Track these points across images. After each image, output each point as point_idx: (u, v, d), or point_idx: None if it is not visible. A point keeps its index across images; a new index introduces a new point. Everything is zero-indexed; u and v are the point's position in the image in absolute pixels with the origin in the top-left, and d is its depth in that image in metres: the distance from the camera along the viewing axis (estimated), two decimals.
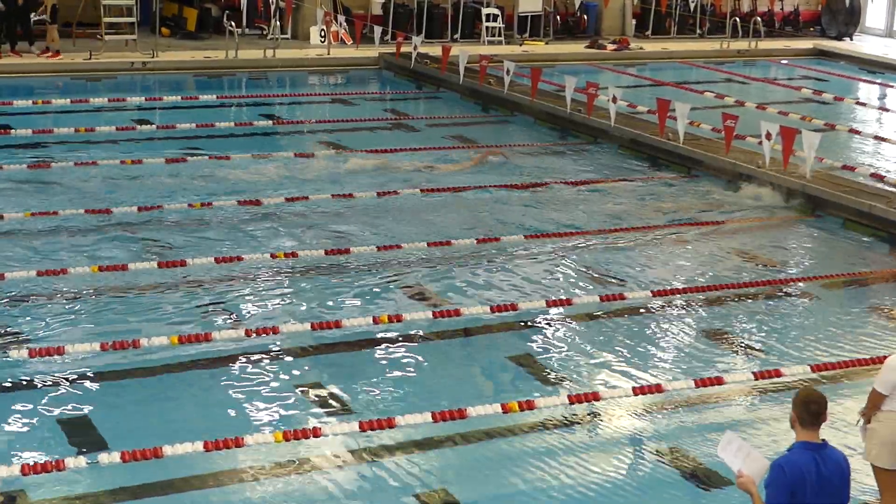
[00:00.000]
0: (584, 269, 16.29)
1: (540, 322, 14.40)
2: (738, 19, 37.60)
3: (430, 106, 28.48)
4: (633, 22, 38.87)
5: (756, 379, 12.88)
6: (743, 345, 14.13)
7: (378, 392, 12.28)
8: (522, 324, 14.33)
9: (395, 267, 16.03)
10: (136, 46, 31.40)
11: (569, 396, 12.17)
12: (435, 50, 30.87)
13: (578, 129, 24.73)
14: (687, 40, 38.43)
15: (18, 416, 11.36)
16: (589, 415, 12.06)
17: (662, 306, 15.13)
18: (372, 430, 11.21)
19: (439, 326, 14.02)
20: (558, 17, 38.09)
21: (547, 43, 36.58)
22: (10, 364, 12.38)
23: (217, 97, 27.89)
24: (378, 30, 32.55)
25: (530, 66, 28.10)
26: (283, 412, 11.74)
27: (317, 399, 12.04)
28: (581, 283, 15.74)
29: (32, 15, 30.41)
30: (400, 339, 13.63)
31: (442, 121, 26.14)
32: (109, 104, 26.00)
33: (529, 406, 11.81)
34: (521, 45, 35.86)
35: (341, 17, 34.36)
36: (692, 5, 39.19)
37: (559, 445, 11.42)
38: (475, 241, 17.00)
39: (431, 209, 18.72)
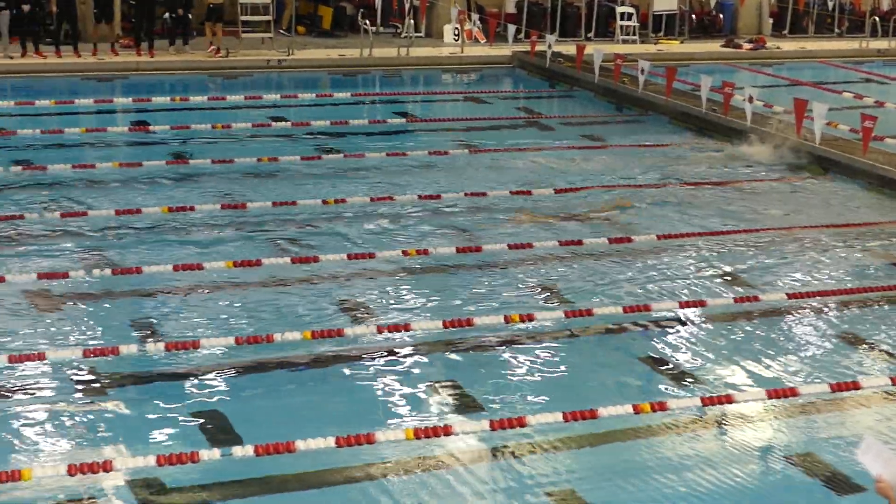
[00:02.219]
0: (718, 270, 16.10)
1: (673, 323, 14.27)
2: (877, 18, 36.98)
3: (564, 105, 28.41)
4: (770, 21, 38.41)
5: (894, 384, 12.63)
6: (881, 349, 13.86)
7: (509, 391, 12.24)
8: (655, 324, 14.21)
9: (526, 265, 15.99)
10: (272, 44, 31.73)
11: (701, 398, 12.03)
12: (569, 49, 30.80)
13: (714, 129, 24.47)
14: (825, 39, 37.90)
15: (155, 408, 11.51)
16: (721, 417, 11.91)
17: (798, 308, 14.90)
18: (502, 429, 11.18)
19: (571, 326, 13.95)
20: (693, 16, 37.80)
21: (682, 42, 36.30)
22: (147, 357, 12.56)
23: (351, 95, 28.10)
24: (512, 28, 32.55)
25: (665, 65, 27.94)
26: (414, 409, 11.76)
27: (448, 397, 12.04)
28: (715, 284, 15.56)
29: (180, 13, 30.94)
30: (532, 338, 13.59)
31: (575, 119, 26.03)
32: (245, 101, 26.31)
33: (661, 407, 11.70)
34: (655, 43, 35.63)
35: (475, 16, 34.40)
36: (830, 4, 38.66)
37: (690, 448, 11.30)
38: (607, 241, 16.89)
39: (563, 208, 18.62)
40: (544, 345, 13.45)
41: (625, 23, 35.53)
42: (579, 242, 16.72)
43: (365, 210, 17.96)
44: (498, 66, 32.34)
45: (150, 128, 23.46)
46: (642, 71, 26.44)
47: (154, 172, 19.92)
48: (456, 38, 33.79)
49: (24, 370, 12.09)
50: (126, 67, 29.20)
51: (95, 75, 28.47)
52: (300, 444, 10.56)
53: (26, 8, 28.57)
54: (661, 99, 26.16)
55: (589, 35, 35.74)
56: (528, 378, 12.60)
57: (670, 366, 13.05)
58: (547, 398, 12.06)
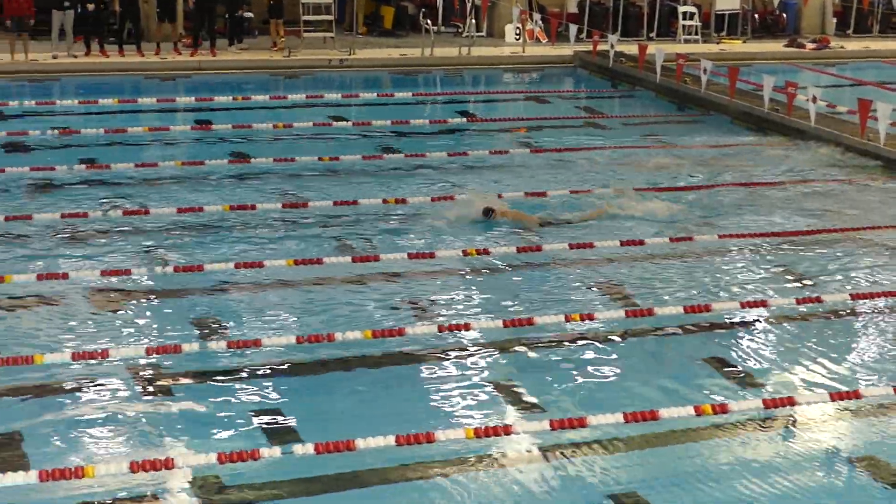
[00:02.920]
0: (780, 270, 15.99)
1: (734, 323, 14.17)
2: None
3: (625, 104, 28.31)
4: (834, 20, 38.11)
5: None
6: None
7: (569, 391, 12.20)
8: (716, 325, 14.11)
9: (587, 265, 15.94)
10: (333, 44, 31.83)
11: (763, 401, 11.93)
12: (630, 48, 30.69)
13: (776, 129, 24.32)
14: (889, 39, 37.59)
15: (216, 405, 11.56)
16: (784, 420, 11.81)
17: (862, 309, 14.76)
18: (562, 428, 11.15)
19: (632, 325, 13.89)
20: (756, 16, 37.57)
21: (745, 41, 36.12)
22: (209, 355, 12.62)
23: (412, 94, 28.15)
24: (573, 28, 32.49)
25: (727, 64, 27.78)
26: (474, 408, 11.74)
27: (508, 396, 12.02)
28: (777, 284, 15.44)
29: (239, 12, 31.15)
30: (592, 338, 13.54)
31: (636, 119, 25.94)
32: (307, 100, 26.42)
33: (723, 409, 11.62)
34: (718, 43, 35.46)
35: (537, 15, 34.35)
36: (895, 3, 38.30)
37: (752, 450, 11.21)
38: (669, 240, 16.82)
39: (618, 207, 18.53)
40: (605, 345, 13.39)
41: (687, 22, 35.36)
42: (641, 242, 16.65)
43: (425, 210, 17.95)
44: (559, 66, 32.31)
45: (212, 126, 23.59)
46: (704, 70, 26.33)
47: (216, 171, 20.04)
48: (517, 37, 33.77)
49: (87, 367, 12.18)
50: (188, 66, 29.38)
51: (158, 74, 28.69)
52: (360, 443, 10.58)
53: (91, 7, 28.81)
54: (724, 99, 26.03)
55: (651, 35, 35.62)
56: (589, 378, 12.55)
57: (732, 367, 12.95)
58: (607, 399, 12.01)
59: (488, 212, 17.24)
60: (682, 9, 35.55)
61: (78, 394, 11.68)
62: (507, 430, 11.07)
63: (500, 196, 18.20)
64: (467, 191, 18.31)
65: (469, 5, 33.69)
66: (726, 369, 12.88)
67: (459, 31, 34.29)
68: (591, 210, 17.87)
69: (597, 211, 17.87)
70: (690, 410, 11.53)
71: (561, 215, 17.57)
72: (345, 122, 24.39)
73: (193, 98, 26.35)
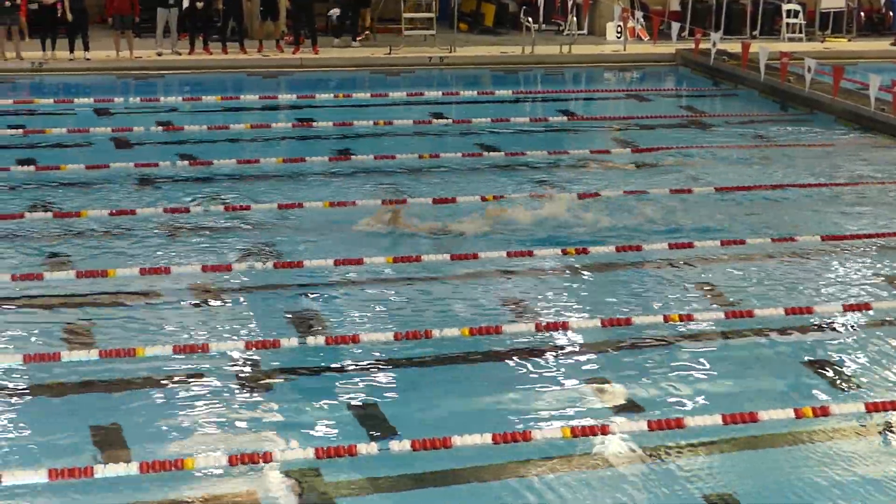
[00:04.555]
0: (884, 272, 15.76)
1: (836, 326, 13.99)
2: None
3: (727, 103, 28.06)
4: None
5: None
6: None
7: (667, 392, 12.11)
8: (818, 327, 13.95)
9: (686, 265, 15.83)
10: (434, 42, 31.90)
11: (865, 404, 11.77)
12: (733, 47, 30.45)
13: (882, 129, 23.98)
14: None
15: (314, 400, 11.63)
16: (886, 424, 11.64)
17: None
18: (660, 429, 11.08)
19: (731, 327, 13.76)
20: (862, 14, 37.05)
21: (850, 40, 35.65)
22: (308, 350, 12.69)
23: (513, 92, 28.13)
24: (675, 26, 32.29)
25: (832, 63, 27.43)
26: (571, 408, 11.70)
27: (605, 396, 11.97)
28: (881, 286, 15.22)
29: (333, 11, 31.36)
30: (691, 338, 13.44)
31: (739, 118, 25.70)
32: (407, 98, 26.50)
33: (823, 412, 11.48)
34: (822, 41, 35.03)
35: (639, 13, 34.19)
36: None
37: (853, 454, 11.05)
38: (770, 241, 16.65)
39: (724, 207, 18.40)
40: (704, 346, 13.29)
41: (791, 20, 34.99)
42: (741, 242, 16.50)
43: (525, 206, 17.91)
44: (661, 65, 32.12)
45: (313, 124, 23.75)
46: (808, 69, 26.03)
47: (317, 168, 20.16)
48: (619, 35, 33.63)
49: (187, 361, 12.31)
50: (290, 64, 29.60)
51: (260, 72, 28.92)
52: (456, 440, 10.60)
53: (200, 5, 29.12)
54: (828, 98, 25.71)
55: (754, 33, 35.29)
56: (687, 379, 12.46)
57: (833, 370, 12.79)
58: (706, 400, 11.91)
59: (390, 220, 16.81)
60: (786, 7, 35.18)
61: (178, 387, 11.81)
62: (604, 430, 11.02)
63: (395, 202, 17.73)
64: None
65: (570, 3, 33.61)
66: (828, 372, 12.73)
67: (560, 29, 34.20)
68: (470, 218, 17.22)
69: (490, 213, 17.34)
70: (790, 413, 11.41)
71: (455, 224, 16.95)
72: (445, 120, 24.43)
73: (295, 95, 26.57)
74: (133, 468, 10.05)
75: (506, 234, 16.57)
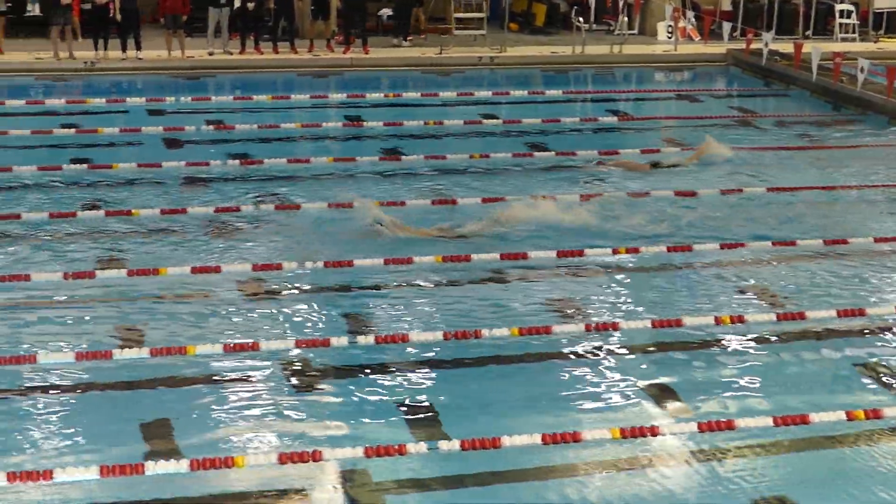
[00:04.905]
0: None
1: (889, 328, 13.88)
2: None
3: (779, 104, 27.94)
4: None
5: None
6: None
7: (718, 393, 12.05)
8: (870, 329, 13.84)
9: (738, 266, 15.76)
10: (484, 41, 31.91)
11: None
12: (785, 47, 30.29)
13: None
14: None
15: (363, 399, 11.65)
16: None
17: None
18: (711, 431, 11.03)
19: (783, 329, 13.68)
20: None
21: None
22: (358, 349, 12.71)
23: (563, 92, 28.10)
24: (727, 26, 32.19)
25: (885, 63, 27.22)
26: (621, 409, 11.67)
27: (655, 397, 11.91)
28: None
29: (384, 11, 31.45)
30: (742, 340, 13.36)
31: (791, 119, 25.57)
32: (457, 98, 26.51)
33: (876, 415, 11.39)
34: (875, 41, 34.80)
35: (690, 13, 34.11)
36: None
37: None
38: (822, 242, 16.54)
39: (775, 208, 18.30)
40: (754, 347, 13.21)
41: (844, 20, 34.78)
42: (793, 243, 16.40)
43: (575, 206, 17.86)
44: (712, 65, 32.00)
45: (364, 123, 23.80)
46: (861, 70, 25.85)
47: (367, 168, 20.19)
48: (670, 35, 33.53)
49: (237, 360, 12.36)
50: (341, 63, 29.69)
51: (311, 71, 29.02)
52: (506, 441, 10.59)
53: (251, 5, 29.25)
54: (881, 98, 25.53)
55: (807, 33, 35.10)
56: (738, 381, 12.39)
57: (885, 372, 12.69)
58: (756, 402, 11.84)
59: (375, 223, 16.53)
60: (839, 6, 34.98)
61: (228, 385, 11.85)
62: (653, 431, 10.99)
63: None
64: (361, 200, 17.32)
65: (621, 3, 33.58)
66: (880, 374, 12.63)
67: (611, 28, 34.16)
68: (483, 220, 16.98)
69: (490, 220, 17.04)
70: (842, 415, 11.33)
71: (461, 228, 16.79)
72: (495, 120, 24.42)
73: (345, 95, 26.64)
74: (183, 465, 10.10)
75: (556, 234, 16.53)
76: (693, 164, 20.55)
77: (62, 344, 12.70)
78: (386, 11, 33.38)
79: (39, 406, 11.35)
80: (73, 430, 10.93)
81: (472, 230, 16.50)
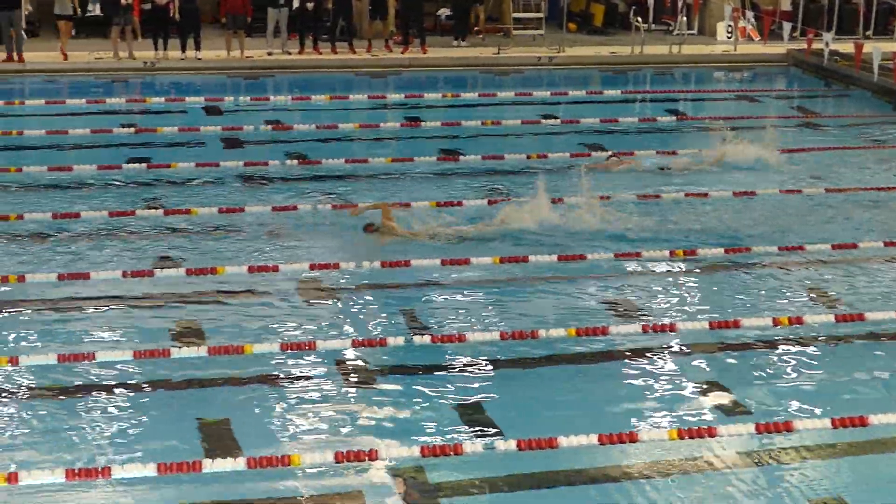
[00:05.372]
0: None
1: None
2: None
3: (839, 104, 27.74)
4: None
5: None
6: None
7: (775, 394, 11.98)
8: None
9: (796, 267, 15.65)
10: (543, 41, 31.87)
11: None
12: (846, 47, 30.05)
13: None
14: None
15: (420, 399, 11.66)
16: None
17: None
18: (768, 432, 10.97)
19: (841, 330, 13.58)
20: None
21: None
22: (414, 349, 12.72)
23: (621, 92, 28.01)
24: (787, 26, 31.96)
25: None
26: (677, 410, 11.61)
27: (713, 398, 11.86)
28: None
29: (442, 11, 31.50)
30: (800, 341, 13.27)
31: (851, 119, 25.37)
32: (515, 98, 26.49)
33: None
34: None
35: (749, 13, 33.90)
36: None
37: None
38: (882, 244, 16.40)
39: (835, 209, 18.17)
40: (813, 349, 13.12)
41: None
42: (853, 245, 16.27)
43: (633, 208, 17.83)
44: (771, 65, 31.80)
45: (422, 123, 23.82)
46: None
47: (424, 167, 20.21)
48: (729, 35, 33.35)
49: (295, 359, 12.40)
50: (399, 63, 29.73)
51: (369, 71, 29.08)
52: (562, 441, 10.57)
53: (310, 5, 29.36)
54: None
55: (867, 33, 34.80)
56: (796, 382, 12.31)
57: None
58: (814, 403, 11.76)
59: (367, 228, 16.46)
60: None
61: (285, 384, 11.90)
62: (711, 432, 10.93)
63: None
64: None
65: (681, 3, 33.41)
66: None
67: (670, 28, 34.00)
68: (483, 222, 16.89)
69: (496, 222, 16.86)
70: None
71: (452, 227, 16.59)
72: (553, 120, 24.38)
73: (403, 95, 26.68)
74: (240, 463, 10.14)
75: (615, 235, 16.48)
76: (714, 166, 20.36)
77: (121, 342, 12.79)
78: (444, 11, 33.41)
79: (97, 404, 11.43)
80: (130, 427, 11.00)
81: (468, 232, 16.41)
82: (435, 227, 16.39)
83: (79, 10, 29.62)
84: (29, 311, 13.67)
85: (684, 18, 33.25)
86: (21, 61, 28.21)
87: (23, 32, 28.33)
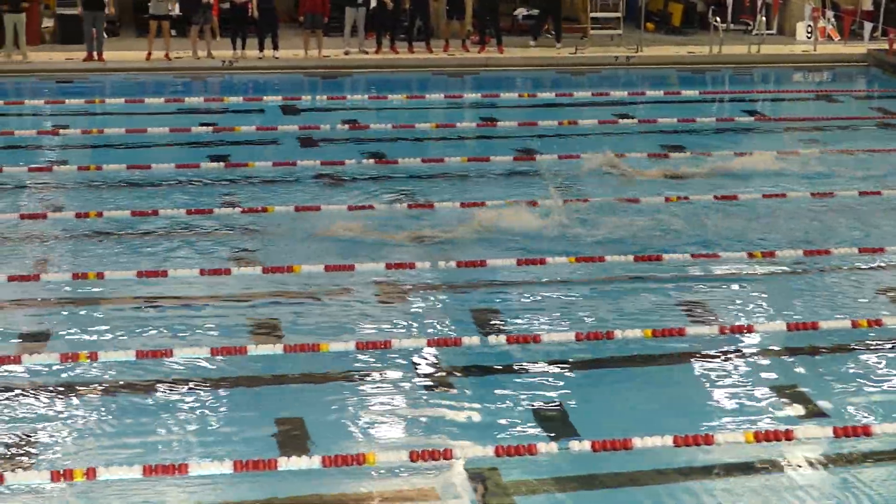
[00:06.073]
0: None
1: None
2: None
3: None
4: None
5: None
6: None
7: (854, 398, 11.86)
8: None
9: (876, 269, 15.49)
10: (620, 41, 31.77)
11: None
12: None
13: None
14: None
15: (494, 399, 11.65)
16: None
17: None
18: (846, 436, 10.87)
19: None
20: None
21: None
22: (489, 349, 12.72)
23: (699, 92, 27.85)
24: (868, 26, 31.64)
25: None
26: (754, 412, 11.53)
27: (790, 401, 11.76)
28: None
29: (519, 11, 31.48)
30: (879, 344, 13.13)
31: None
32: (592, 98, 26.41)
33: None
34: None
35: (829, 13, 33.58)
36: None
37: None
38: None
39: None
40: (893, 352, 12.98)
41: None
42: None
43: (709, 208, 17.73)
44: (852, 65, 31.49)
45: (498, 123, 23.80)
46: None
47: (500, 167, 20.19)
48: (809, 35, 33.06)
49: (370, 357, 12.43)
50: (475, 63, 29.72)
51: (446, 71, 29.09)
52: (637, 442, 10.52)
53: (390, 4, 29.45)
54: None
55: None
56: (874, 385, 12.18)
57: None
58: (894, 407, 11.63)
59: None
60: None
61: (360, 382, 11.94)
62: (788, 435, 10.84)
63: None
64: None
65: (760, 3, 33.17)
66: None
67: (749, 28, 33.75)
68: (465, 223, 16.76)
69: (476, 223, 16.71)
70: None
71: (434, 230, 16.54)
72: (630, 120, 24.28)
73: (480, 94, 26.68)
74: (315, 461, 10.18)
75: (691, 236, 16.40)
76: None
77: (198, 339, 12.88)
78: (521, 11, 33.40)
79: (174, 400, 11.53)
80: (207, 424, 11.09)
81: (442, 236, 16.32)
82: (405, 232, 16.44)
83: (175, 10, 29.87)
84: (108, 308, 13.81)
85: (763, 18, 32.98)
86: (101, 60, 28.51)
87: (104, 32, 28.64)
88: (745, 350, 12.90)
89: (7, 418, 11.13)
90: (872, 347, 13.05)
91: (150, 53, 28.87)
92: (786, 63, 31.42)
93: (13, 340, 12.86)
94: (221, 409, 11.40)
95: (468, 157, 20.94)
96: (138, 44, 30.11)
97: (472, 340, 12.79)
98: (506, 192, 18.36)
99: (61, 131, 22.66)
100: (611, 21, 33.24)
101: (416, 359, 12.46)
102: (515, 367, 12.38)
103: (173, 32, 29.49)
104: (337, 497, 9.91)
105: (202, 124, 23.10)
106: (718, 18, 31.47)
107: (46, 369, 12.07)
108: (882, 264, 15.65)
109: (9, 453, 10.49)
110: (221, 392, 11.74)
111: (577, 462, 10.43)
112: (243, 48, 29.14)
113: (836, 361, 12.72)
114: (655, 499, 10.06)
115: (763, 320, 13.65)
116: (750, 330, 13.25)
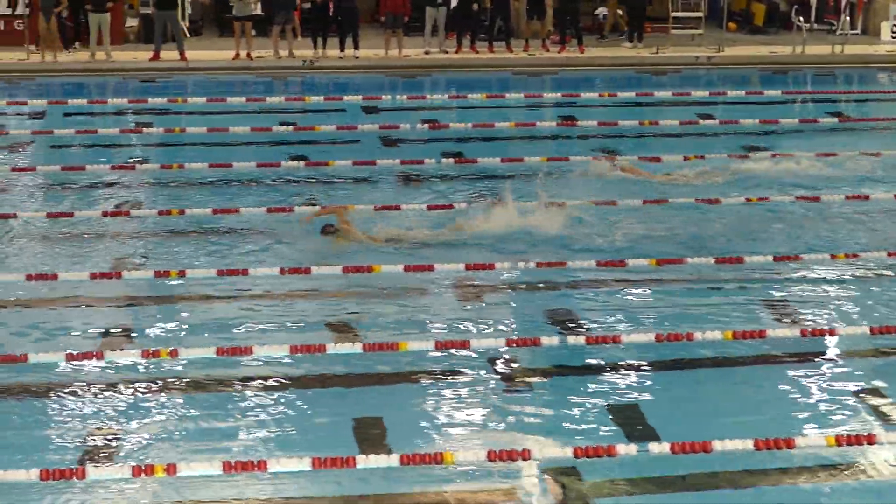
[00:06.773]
0: None
1: None
2: None
3: None
4: None
5: None
6: None
7: None
8: None
9: None
10: (702, 41, 31.60)
11: None
12: None
13: None
14: None
15: (573, 400, 11.61)
16: None
17: None
18: None
19: None
20: None
21: None
22: (568, 349, 12.67)
23: (782, 93, 27.63)
24: None
25: None
26: (836, 416, 11.41)
27: (873, 405, 11.62)
28: None
29: (600, 10, 31.39)
30: None
31: None
32: (673, 98, 26.28)
33: None
34: None
35: None
36: None
37: None
38: None
39: None
40: None
41: None
42: None
43: (792, 209, 17.58)
44: None
45: (578, 123, 23.74)
46: None
47: (580, 167, 20.11)
48: (894, 35, 32.72)
49: (448, 356, 12.43)
50: (556, 63, 29.69)
51: (526, 70, 29.07)
52: (717, 444, 10.43)
53: (475, 7, 29.51)
54: None
55: None
56: None
57: None
58: None
59: (325, 230, 16.22)
60: None
61: (438, 382, 11.94)
62: (870, 439, 10.71)
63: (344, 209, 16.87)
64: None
65: (844, 2, 32.87)
66: None
67: (833, 28, 33.46)
68: (448, 226, 16.58)
69: (456, 226, 16.56)
70: None
71: (410, 232, 16.34)
72: (711, 121, 24.13)
73: (560, 94, 26.64)
74: (393, 460, 10.19)
75: (771, 237, 16.27)
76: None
77: (277, 337, 12.95)
78: (602, 11, 33.32)
79: (254, 397, 11.59)
80: (286, 421, 11.14)
81: (426, 237, 16.22)
82: (394, 231, 16.29)
83: (258, 10, 30.10)
84: (189, 305, 13.92)
85: (847, 18, 32.69)
86: (183, 59, 28.75)
87: (185, 31, 28.89)
88: (826, 352, 12.77)
89: (89, 414, 11.25)
90: None
91: (237, 54, 29.09)
92: (870, 63, 31.10)
93: (96, 337, 13.00)
94: (300, 406, 11.43)
95: (547, 156, 20.89)
96: (220, 43, 30.38)
97: (551, 340, 12.75)
98: (585, 192, 18.29)
99: (144, 130, 22.88)
100: (692, 21, 33.07)
101: (494, 358, 12.44)
102: (594, 368, 12.33)
103: (254, 32, 29.71)
104: (415, 495, 9.91)
105: (283, 123, 23.22)
106: (802, 18, 31.23)
107: (128, 366, 12.18)
108: None
109: (91, 448, 10.59)
110: (300, 389, 11.79)
111: (657, 464, 10.37)
112: (324, 48, 29.29)
113: None
114: (735, 502, 9.98)
115: (845, 323, 13.51)
116: (832, 333, 13.11)
